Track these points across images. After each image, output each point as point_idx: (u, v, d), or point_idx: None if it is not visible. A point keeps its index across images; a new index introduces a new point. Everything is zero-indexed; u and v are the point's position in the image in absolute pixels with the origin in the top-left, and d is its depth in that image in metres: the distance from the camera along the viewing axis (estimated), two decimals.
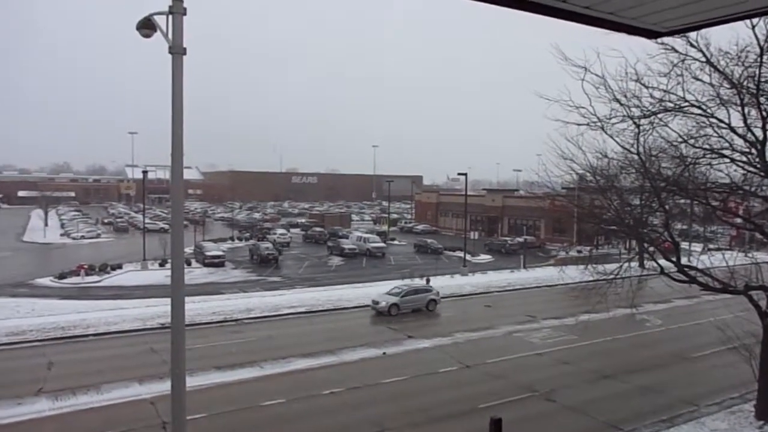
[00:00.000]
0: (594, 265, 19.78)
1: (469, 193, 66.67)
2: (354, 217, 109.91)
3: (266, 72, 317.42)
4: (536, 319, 33.59)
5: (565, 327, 31.22)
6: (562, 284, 31.58)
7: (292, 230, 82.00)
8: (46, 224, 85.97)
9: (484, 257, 62.54)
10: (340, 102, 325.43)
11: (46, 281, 45.48)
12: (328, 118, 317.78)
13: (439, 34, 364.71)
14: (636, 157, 17.65)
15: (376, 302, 34.49)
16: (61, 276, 46.12)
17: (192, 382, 18.02)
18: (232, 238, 73.64)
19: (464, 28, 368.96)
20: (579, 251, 42.40)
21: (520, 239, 70.23)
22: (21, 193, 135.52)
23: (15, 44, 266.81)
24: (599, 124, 16.74)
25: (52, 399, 20.30)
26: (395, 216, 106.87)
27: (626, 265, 18.66)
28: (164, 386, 19.89)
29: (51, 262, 54.76)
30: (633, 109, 16.42)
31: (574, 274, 25.23)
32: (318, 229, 79.90)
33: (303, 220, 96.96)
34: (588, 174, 19.74)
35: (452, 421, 19.08)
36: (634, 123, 16.67)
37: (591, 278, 19.85)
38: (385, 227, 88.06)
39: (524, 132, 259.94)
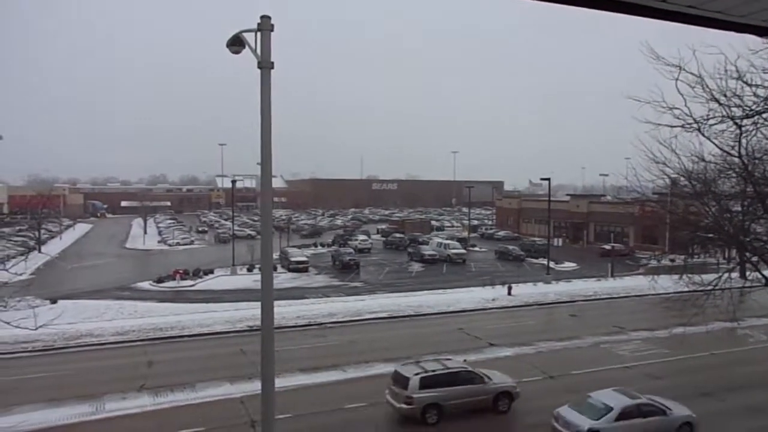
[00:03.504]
0: (689, 275, 18.70)
1: (552, 198, 64.83)
2: (434, 223, 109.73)
3: (347, 79, 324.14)
4: (625, 331, 32.11)
5: (656, 340, 29.67)
6: (653, 294, 30.11)
7: (372, 236, 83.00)
8: (145, 232, 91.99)
9: (569, 265, 60.50)
10: (420, 109, 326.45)
11: (146, 285, 48.68)
12: (408, 124, 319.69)
13: (524, 40, 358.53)
14: (737, 160, 16.51)
15: None
16: (159, 280, 49.21)
17: (278, 383, 18.62)
18: (315, 245, 75.57)
19: (548, 32, 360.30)
20: (672, 260, 39.97)
21: (540, 240, 68.17)
22: (123, 203, 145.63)
23: (110, 63, 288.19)
24: (695, 125, 15.82)
25: (152, 395, 21.72)
26: (476, 222, 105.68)
27: (726, 275, 17.51)
28: (253, 386, 20.82)
29: (150, 267, 58.46)
30: (734, 109, 15.39)
31: (666, 284, 23.92)
32: (398, 235, 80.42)
33: (383, 227, 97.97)
34: (682, 178, 18.68)
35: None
36: (735, 124, 15.61)
37: (686, 289, 18.79)
38: (465, 233, 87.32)
39: (612, 135, 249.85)
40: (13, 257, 58.16)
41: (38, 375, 24.17)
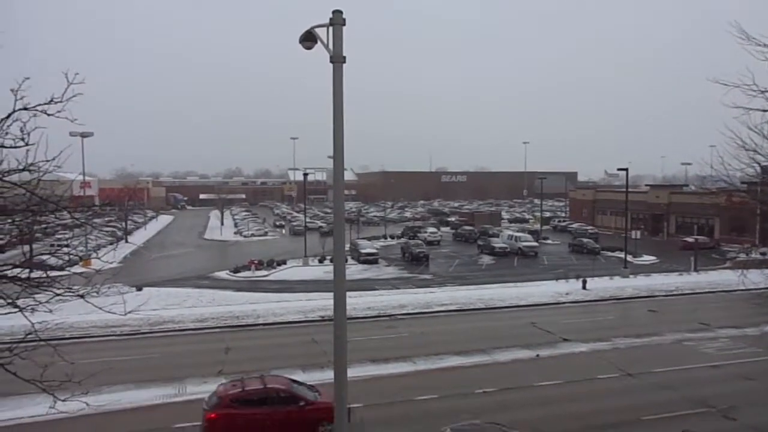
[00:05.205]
0: None
1: (630, 189, 62.15)
2: (504, 215, 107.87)
3: (415, 72, 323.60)
4: (710, 328, 30.42)
5: (747, 338, 27.91)
6: (742, 290, 28.18)
7: (442, 229, 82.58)
8: (222, 223, 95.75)
9: (648, 258, 57.92)
10: (490, 99, 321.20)
11: (223, 274, 50.74)
12: (479, 115, 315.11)
13: (594, 26, 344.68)
14: None
15: None
16: (235, 270, 51.14)
17: (349, 372, 18.90)
18: (384, 237, 76.12)
19: (629, 19, 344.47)
20: (763, 253, 37.40)
21: (592, 229, 64.83)
22: (201, 196, 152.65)
23: (191, 65, 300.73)
24: None
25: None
26: (548, 214, 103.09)
27: None
28: (324, 375, 21.27)
29: (226, 258, 60.89)
30: None
31: (757, 278, 22.35)
32: (468, 227, 79.64)
33: (453, 219, 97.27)
34: None
35: (612, 431, 17.99)
36: None
37: None
38: (536, 225, 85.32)
39: (694, 123, 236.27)
40: (104, 246, 62.22)
41: (126, 358, 25.75)
